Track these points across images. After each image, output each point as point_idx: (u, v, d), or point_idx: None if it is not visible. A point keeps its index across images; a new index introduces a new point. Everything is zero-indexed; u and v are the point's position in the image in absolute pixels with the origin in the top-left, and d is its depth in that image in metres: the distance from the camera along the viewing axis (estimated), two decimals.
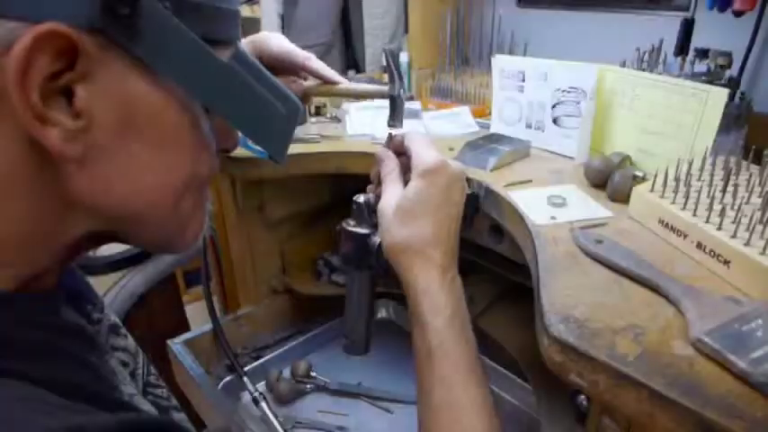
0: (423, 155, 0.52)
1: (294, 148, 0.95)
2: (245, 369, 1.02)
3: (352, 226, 0.59)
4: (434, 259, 0.49)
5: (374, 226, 0.58)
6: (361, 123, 1.04)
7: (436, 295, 0.48)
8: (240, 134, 0.45)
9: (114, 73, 0.32)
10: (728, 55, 0.81)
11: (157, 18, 0.32)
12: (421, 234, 0.49)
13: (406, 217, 0.50)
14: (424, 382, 0.47)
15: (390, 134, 0.59)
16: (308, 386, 1.02)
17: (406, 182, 0.54)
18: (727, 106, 0.65)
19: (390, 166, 0.55)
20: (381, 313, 1.25)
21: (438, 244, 0.50)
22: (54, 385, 0.29)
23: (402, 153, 0.56)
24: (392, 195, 0.52)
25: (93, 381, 0.34)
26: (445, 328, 0.47)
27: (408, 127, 1.02)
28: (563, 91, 0.85)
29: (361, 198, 0.60)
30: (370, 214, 0.58)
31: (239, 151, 0.89)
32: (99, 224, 0.36)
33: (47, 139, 0.30)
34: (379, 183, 0.56)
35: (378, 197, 0.57)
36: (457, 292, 0.50)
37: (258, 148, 0.61)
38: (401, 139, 0.56)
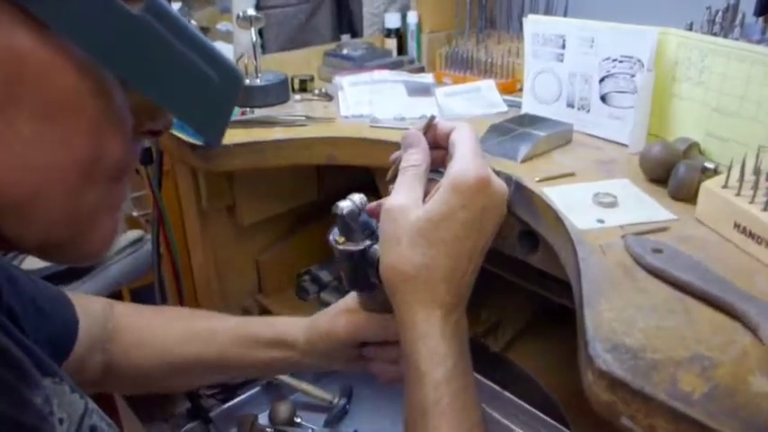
0: (466, 162, 0.51)
1: (272, 133, 0.96)
2: (211, 414, 1.03)
3: (342, 243, 0.59)
4: (439, 295, 0.50)
5: (370, 236, 0.58)
6: (358, 102, 1.05)
7: (437, 341, 0.49)
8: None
9: None
10: None
11: None
12: (434, 265, 0.50)
13: (421, 239, 0.50)
14: None
15: (432, 117, 0.58)
16: None
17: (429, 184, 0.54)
18: None
19: (417, 158, 0.55)
20: None
21: (449, 279, 0.50)
22: None
23: (439, 146, 0.57)
24: (406, 198, 0.52)
25: (18, 410, 0.35)
26: (445, 383, 0.49)
27: (419, 106, 1.04)
28: (614, 60, 0.86)
29: (345, 209, 0.56)
30: (358, 223, 0.58)
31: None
32: None
33: None
34: (395, 174, 0.56)
35: (368, 201, 0.57)
36: (461, 339, 0.51)
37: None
38: (447, 131, 0.56)
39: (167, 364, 0.70)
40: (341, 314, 0.66)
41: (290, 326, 0.70)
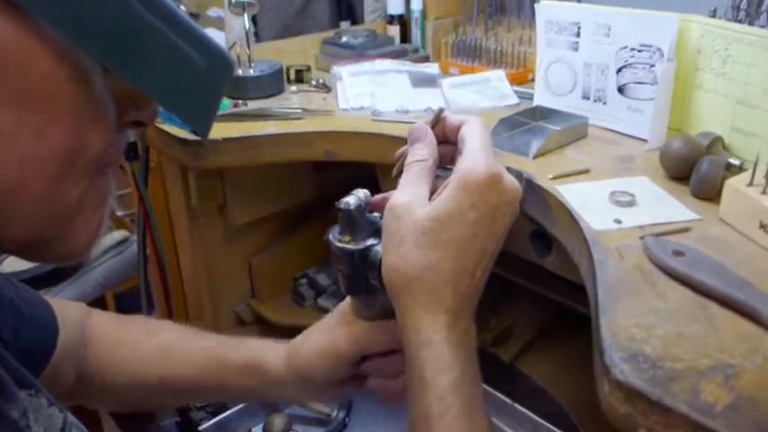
0: (476, 157, 0.52)
1: (266, 127, 0.96)
2: (201, 427, 1.04)
3: (344, 242, 0.58)
4: (445, 300, 0.50)
5: (374, 233, 0.58)
6: (359, 93, 1.05)
7: (442, 348, 0.50)
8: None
9: None
10: None
11: None
12: (439, 267, 0.50)
13: (426, 239, 0.50)
14: None
15: (441, 110, 0.58)
16: None
17: (436, 180, 0.54)
18: None
19: (424, 153, 0.55)
20: None
21: (456, 282, 0.51)
22: None
23: (447, 141, 0.57)
24: (411, 196, 0.52)
25: None
26: (451, 392, 0.49)
27: (423, 98, 1.04)
28: (632, 50, 0.87)
29: (351, 204, 0.57)
30: (364, 219, 0.58)
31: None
32: None
33: None
34: (401, 170, 0.56)
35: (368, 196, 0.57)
36: (468, 346, 0.51)
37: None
38: (457, 125, 0.56)
39: (136, 383, 0.70)
40: (338, 328, 0.65)
41: (270, 352, 0.69)
